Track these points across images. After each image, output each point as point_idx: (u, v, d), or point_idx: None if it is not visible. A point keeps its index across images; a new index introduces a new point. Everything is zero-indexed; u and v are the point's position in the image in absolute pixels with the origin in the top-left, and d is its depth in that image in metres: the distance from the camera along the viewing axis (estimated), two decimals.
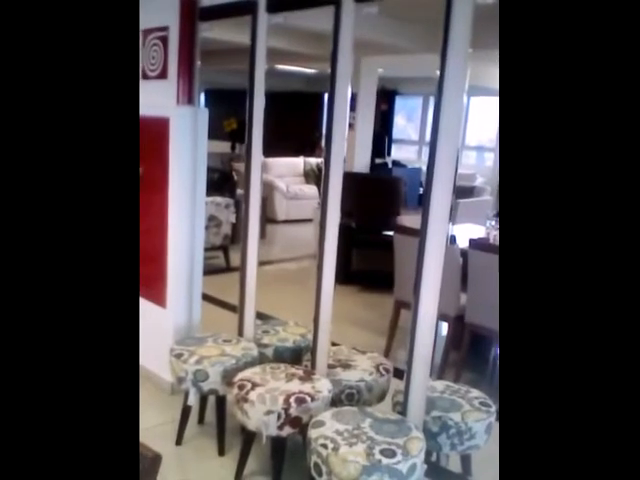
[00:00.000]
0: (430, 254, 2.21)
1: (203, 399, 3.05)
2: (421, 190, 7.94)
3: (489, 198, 7.32)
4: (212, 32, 3.00)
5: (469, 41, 2.04)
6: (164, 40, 3.16)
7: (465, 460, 2.54)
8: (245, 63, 2.84)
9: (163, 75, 3.19)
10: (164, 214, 3.18)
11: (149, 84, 3.30)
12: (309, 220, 6.52)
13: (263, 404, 2.38)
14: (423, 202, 2.23)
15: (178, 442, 2.90)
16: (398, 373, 2.83)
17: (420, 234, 2.24)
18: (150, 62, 3.27)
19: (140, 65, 3.36)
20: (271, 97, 2.83)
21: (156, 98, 3.24)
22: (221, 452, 2.83)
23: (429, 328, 2.25)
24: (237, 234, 6.38)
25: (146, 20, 3.28)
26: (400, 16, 3.35)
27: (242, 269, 3.07)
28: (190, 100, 3.12)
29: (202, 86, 3.17)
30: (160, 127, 3.11)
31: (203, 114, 3.16)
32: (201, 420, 3.09)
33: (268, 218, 8.33)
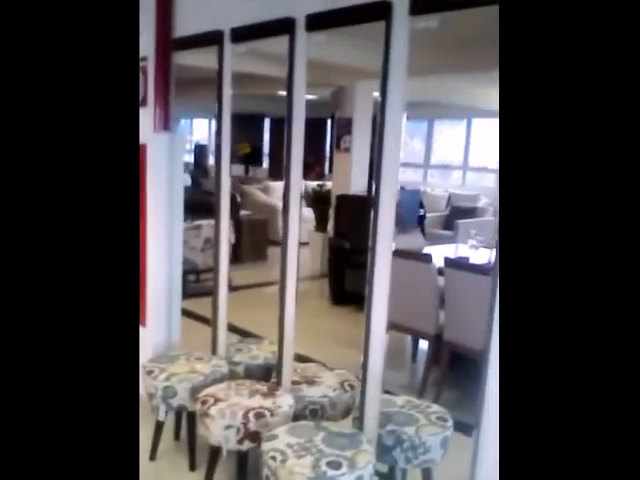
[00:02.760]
0: (379, 270, 2.27)
1: (178, 415, 3.12)
2: (422, 211, 7.91)
3: (491, 219, 7.31)
4: (185, 59, 3.14)
5: (406, 65, 2.12)
6: (144, 70, 3.31)
7: (426, 476, 2.56)
8: (257, 89, 2.94)
9: (143, 103, 3.33)
10: (142, 237, 3.29)
11: None
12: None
13: (223, 419, 2.44)
14: (372, 220, 2.30)
15: (152, 457, 2.97)
16: None
17: (370, 251, 2.31)
18: None
19: None
20: (277, 122, 2.93)
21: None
22: (192, 467, 2.89)
23: (379, 343, 2.30)
24: (237, 255, 6.46)
25: None
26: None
27: (214, 291, 3.16)
28: (166, 126, 3.25)
29: (214, 112, 3.27)
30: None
31: (180, 140, 3.28)
32: (177, 436, 3.16)
33: (271, 240, 8.39)
